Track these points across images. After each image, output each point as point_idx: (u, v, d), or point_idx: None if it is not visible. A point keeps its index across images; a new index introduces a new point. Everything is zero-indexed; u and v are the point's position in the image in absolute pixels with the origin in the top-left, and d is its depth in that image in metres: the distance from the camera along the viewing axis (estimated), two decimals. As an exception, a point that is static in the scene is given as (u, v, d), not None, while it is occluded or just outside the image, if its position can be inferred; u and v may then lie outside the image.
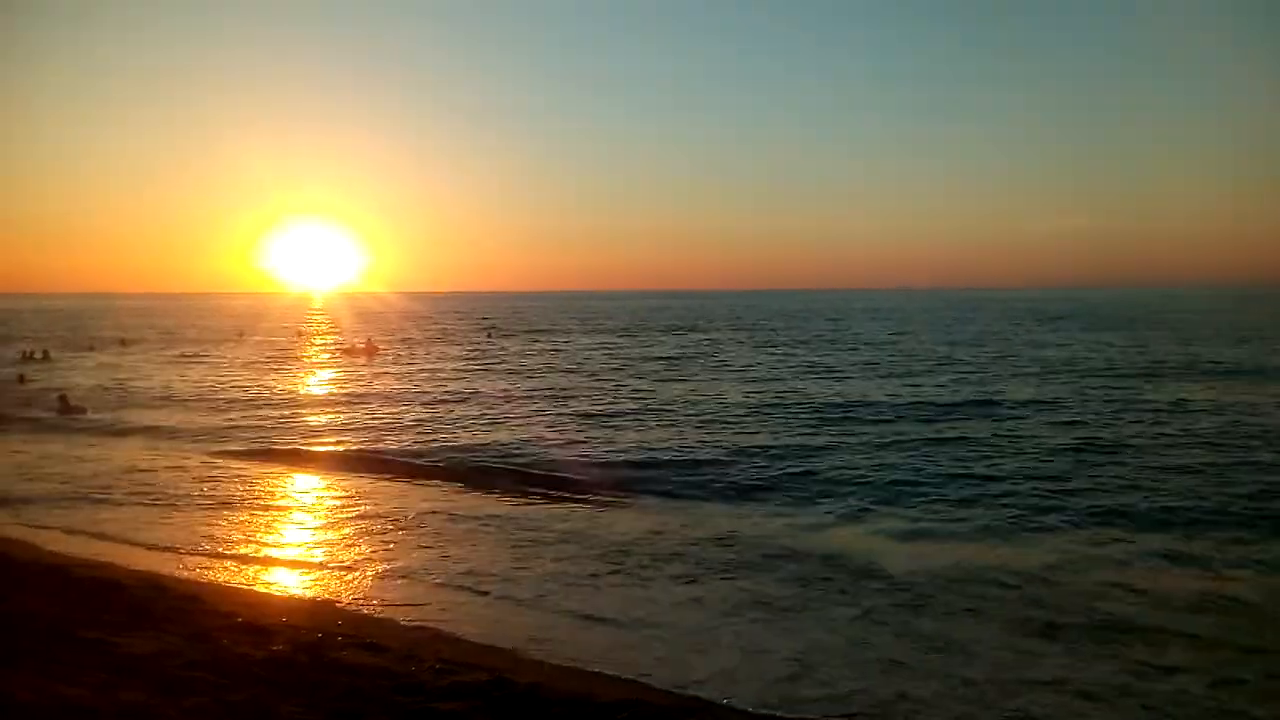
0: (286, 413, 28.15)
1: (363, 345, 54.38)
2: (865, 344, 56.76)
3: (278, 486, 17.70)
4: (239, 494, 16.81)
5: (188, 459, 20.24)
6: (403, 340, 65.80)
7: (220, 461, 20.13)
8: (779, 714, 7.55)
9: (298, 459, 20.58)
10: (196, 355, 53.11)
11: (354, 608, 10.16)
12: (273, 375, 41.09)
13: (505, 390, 33.10)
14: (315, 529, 14.52)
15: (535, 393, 32.17)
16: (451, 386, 34.68)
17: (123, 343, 62.80)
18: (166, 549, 12.74)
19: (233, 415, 27.35)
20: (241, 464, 19.84)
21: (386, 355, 51.96)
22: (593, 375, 38.78)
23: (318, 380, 39.33)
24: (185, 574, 10.96)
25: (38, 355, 50.53)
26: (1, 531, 12.40)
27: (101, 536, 13.36)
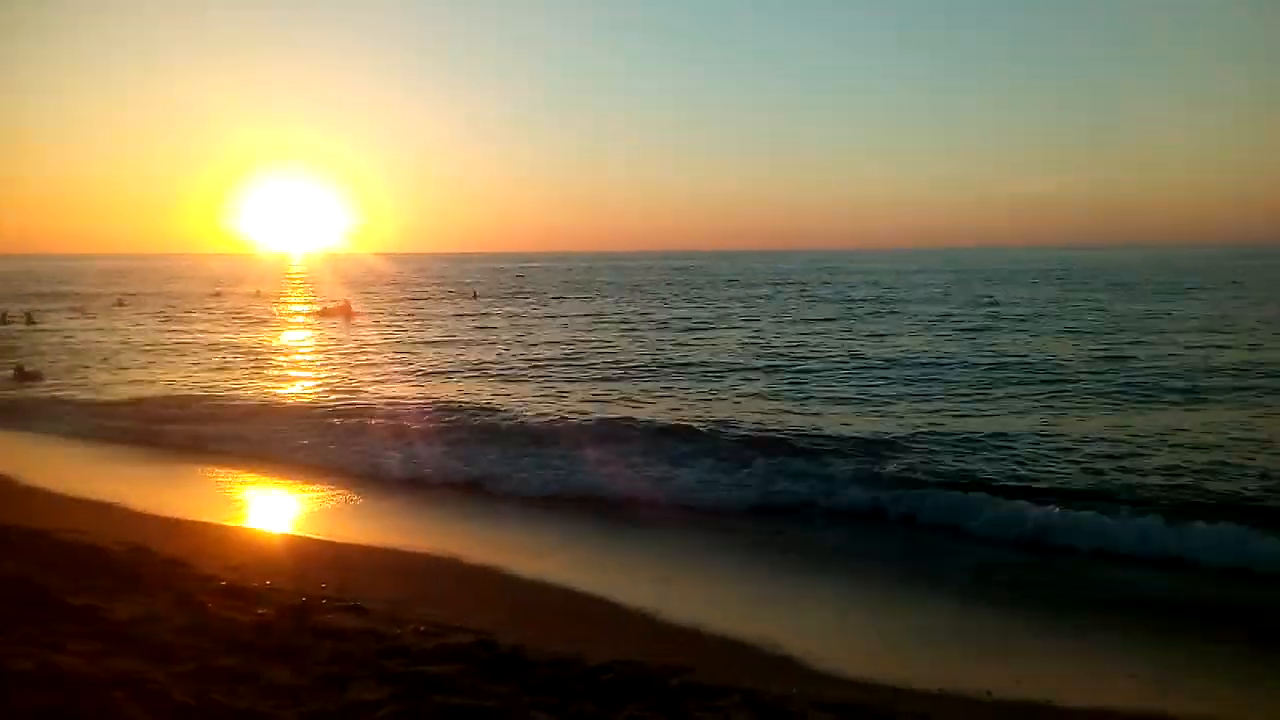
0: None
1: (337, 306, 54.04)
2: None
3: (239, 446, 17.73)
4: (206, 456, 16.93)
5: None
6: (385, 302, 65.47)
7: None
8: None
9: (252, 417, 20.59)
10: (170, 317, 52.66)
11: (334, 569, 10.28)
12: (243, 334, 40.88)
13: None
14: (286, 489, 14.67)
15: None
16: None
17: (119, 303, 62.36)
18: (143, 512, 12.85)
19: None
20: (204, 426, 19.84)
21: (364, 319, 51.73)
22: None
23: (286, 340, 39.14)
24: (165, 535, 10.97)
25: (11, 317, 49.92)
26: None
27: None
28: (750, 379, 25.06)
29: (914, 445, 16.10)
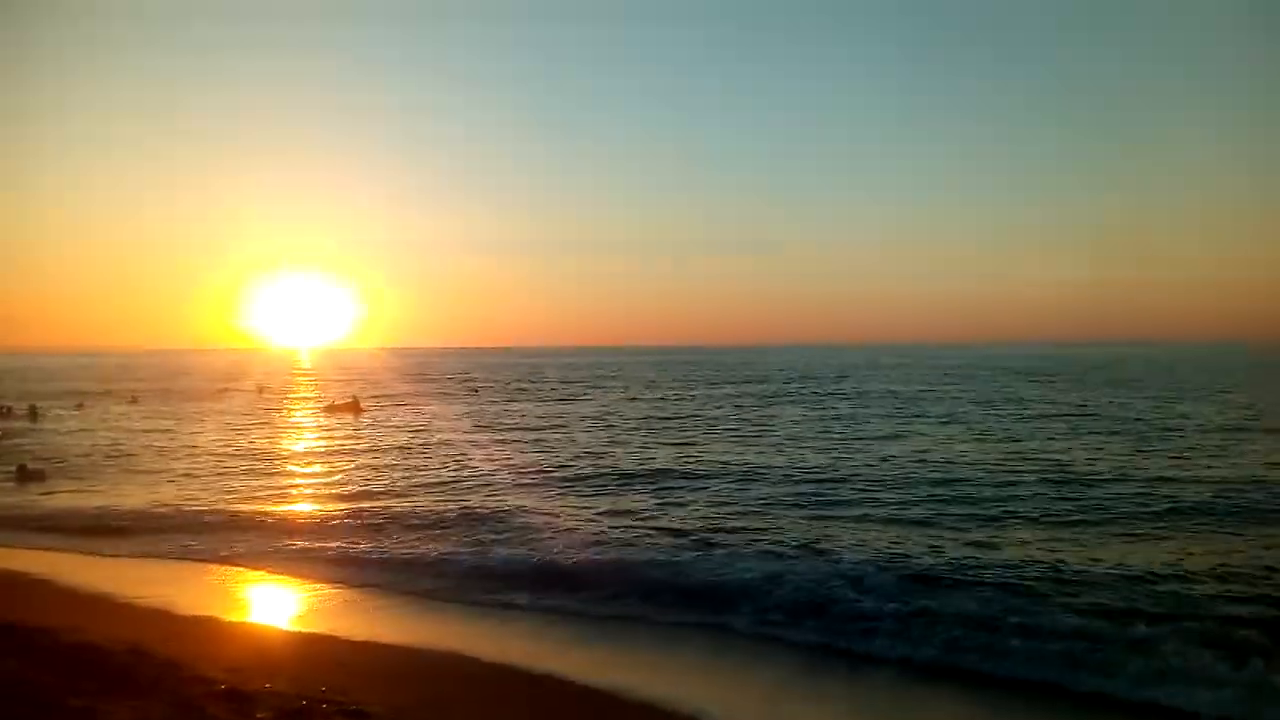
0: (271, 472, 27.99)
1: (346, 403, 54.38)
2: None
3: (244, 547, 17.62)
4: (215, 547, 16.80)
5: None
6: (387, 397, 65.75)
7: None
8: None
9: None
10: (174, 414, 52.79)
11: (334, 670, 10.13)
12: (253, 433, 40.77)
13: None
14: (286, 588, 14.52)
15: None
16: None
17: (132, 400, 62.45)
18: (142, 610, 12.74)
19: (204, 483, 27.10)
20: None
21: (371, 413, 51.85)
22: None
23: (297, 439, 39.10)
24: (164, 637, 10.82)
25: (16, 412, 50.20)
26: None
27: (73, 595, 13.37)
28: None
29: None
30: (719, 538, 16.53)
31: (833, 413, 46.96)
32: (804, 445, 31.75)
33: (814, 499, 20.73)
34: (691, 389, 73.34)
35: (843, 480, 23.28)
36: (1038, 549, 15.30)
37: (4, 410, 50.79)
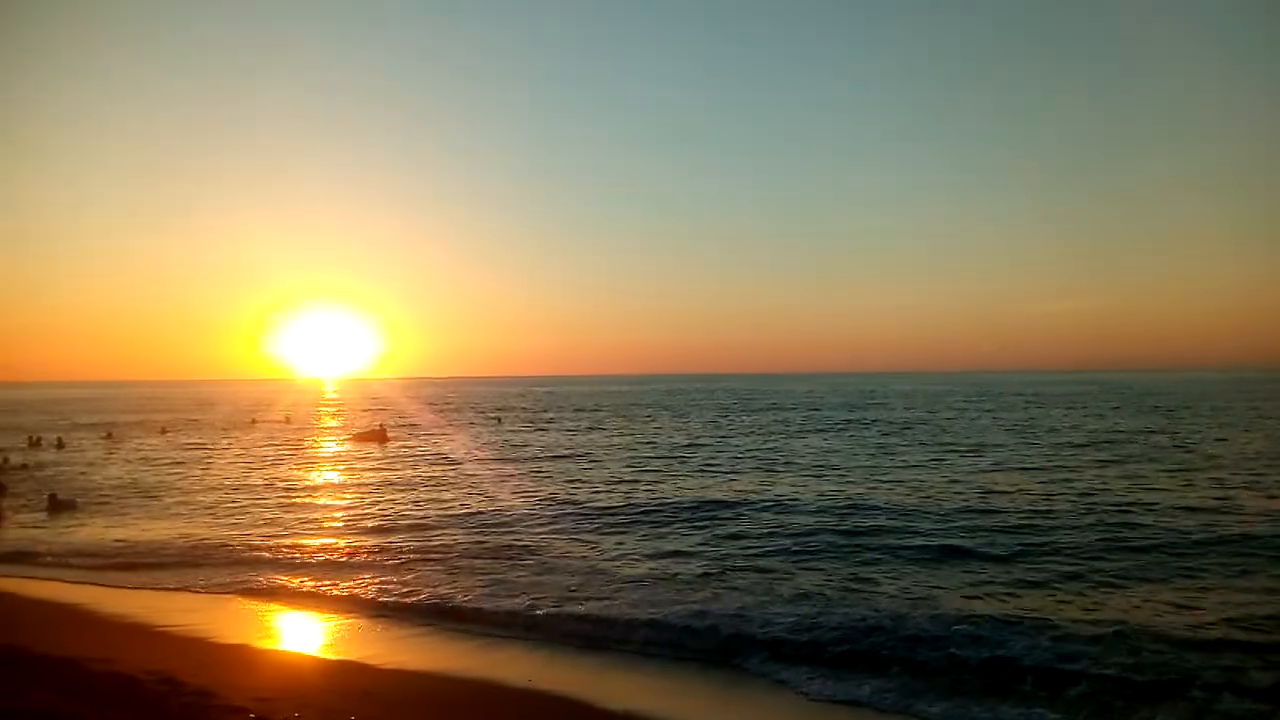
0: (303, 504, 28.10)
1: (372, 431, 54.81)
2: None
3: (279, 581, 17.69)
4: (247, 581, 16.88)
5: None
6: (412, 426, 66.06)
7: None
8: None
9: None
10: (203, 444, 53.25)
11: (361, 699, 10.14)
12: (283, 466, 40.98)
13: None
14: (316, 617, 14.54)
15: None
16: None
17: (162, 431, 62.97)
18: (174, 640, 12.81)
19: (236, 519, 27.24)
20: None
21: (397, 443, 52.08)
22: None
23: (328, 469, 39.28)
24: (195, 667, 10.85)
25: (49, 442, 50.85)
26: (7, 624, 12.35)
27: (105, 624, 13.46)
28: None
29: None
30: (754, 577, 16.22)
31: (865, 441, 46.80)
32: (840, 475, 31.46)
33: (856, 533, 20.36)
34: (712, 417, 73.18)
35: (897, 514, 22.59)
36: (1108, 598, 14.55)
37: (34, 440, 51.47)
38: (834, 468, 33.94)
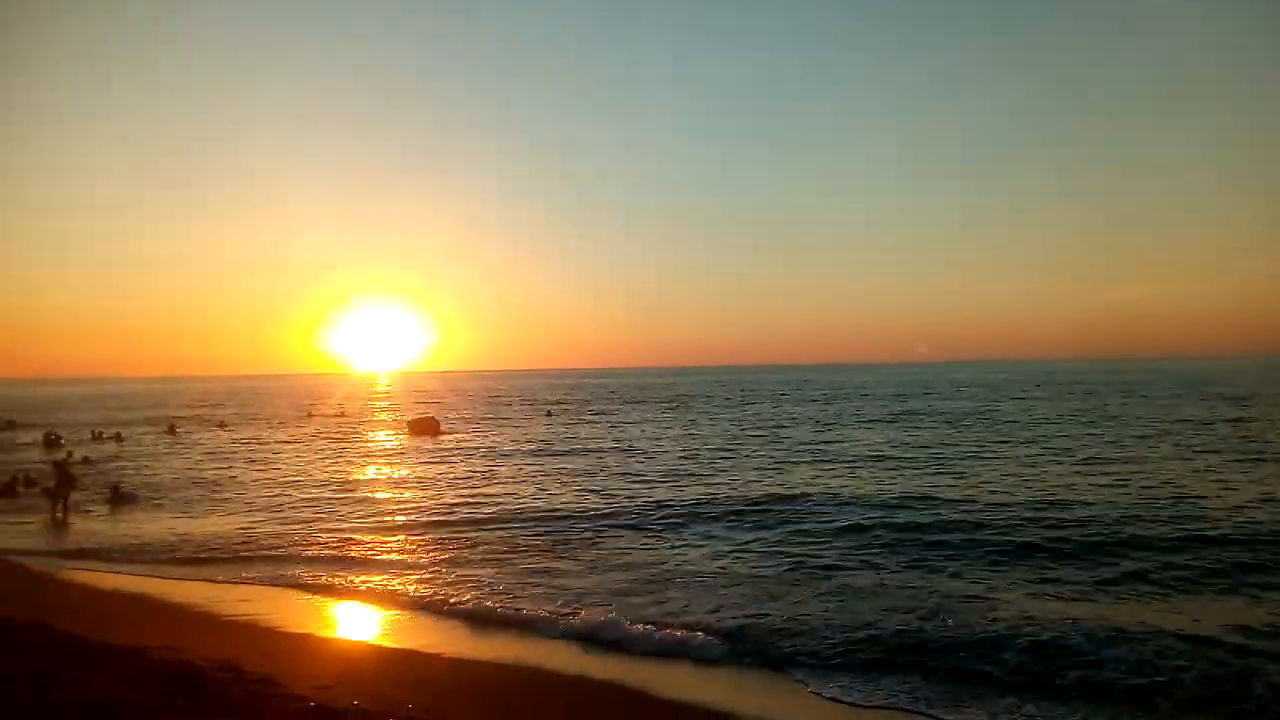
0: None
1: (423, 422, 55.38)
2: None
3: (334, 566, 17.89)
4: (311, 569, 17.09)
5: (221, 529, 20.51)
6: (463, 419, 66.64)
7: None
8: None
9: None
10: (259, 438, 54.15)
11: (417, 687, 10.20)
12: (337, 461, 41.50)
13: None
14: (384, 601, 14.68)
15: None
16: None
17: (221, 425, 64.28)
18: (235, 629, 13.00)
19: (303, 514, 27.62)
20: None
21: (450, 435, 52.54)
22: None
23: (384, 463, 39.71)
24: (256, 656, 10.96)
25: (109, 436, 52.17)
26: (74, 614, 12.58)
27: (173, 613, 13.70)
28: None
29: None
30: (812, 575, 15.78)
31: (925, 432, 46.12)
32: (901, 468, 30.89)
33: (917, 528, 19.72)
34: (764, 409, 72.78)
35: (962, 509, 21.79)
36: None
37: (96, 434, 52.83)
38: (894, 460, 33.41)
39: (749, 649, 11.93)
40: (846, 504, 23.20)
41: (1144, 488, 24.69)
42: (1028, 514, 20.89)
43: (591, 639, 12.54)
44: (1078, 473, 28.26)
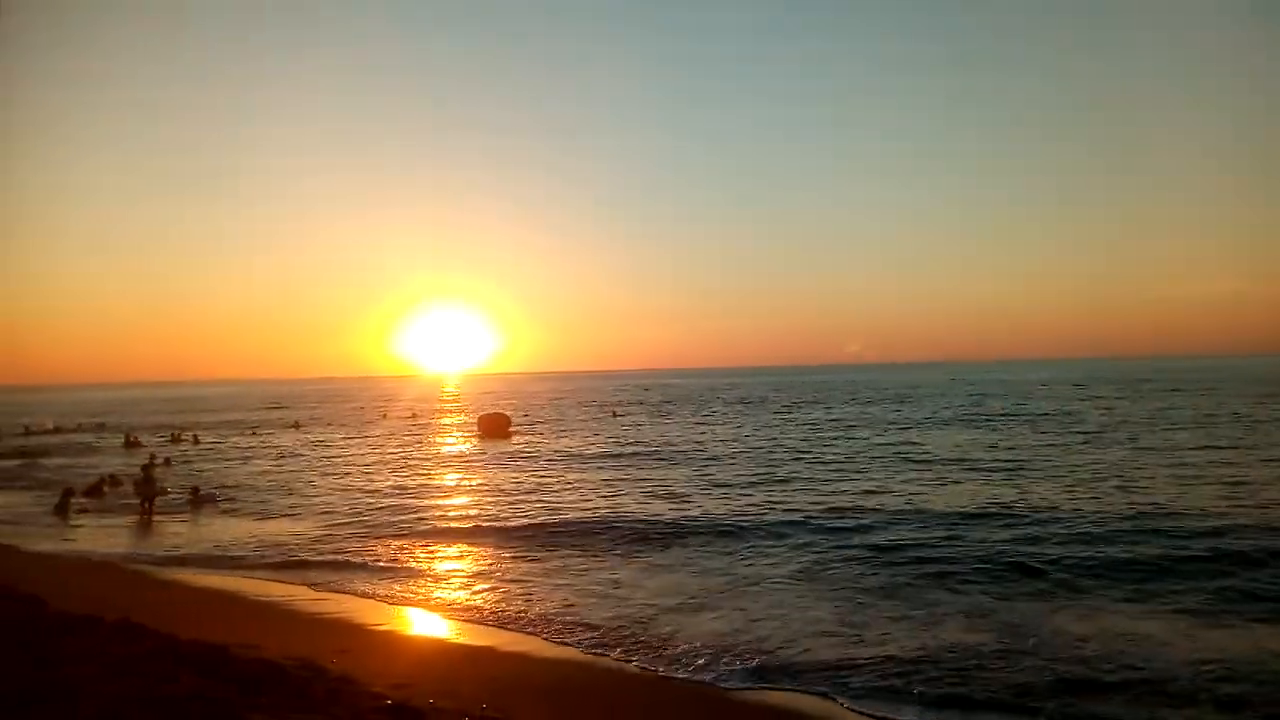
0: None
1: (494, 423, 56.10)
2: None
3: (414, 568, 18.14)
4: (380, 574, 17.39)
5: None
6: (533, 420, 67.20)
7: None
8: None
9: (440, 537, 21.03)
10: (334, 440, 55.22)
11: (489, 685, 10.28)
12: (406, 467, 42.08)
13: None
14: (459, 602, 14.83)
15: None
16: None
17: (295, 425, 66.03)
18: (315, 628, 13.26)
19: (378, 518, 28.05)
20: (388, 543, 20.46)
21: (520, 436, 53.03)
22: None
23: (455, 462, 40.21)
24: (335, 654, 11.14)
25: (186, 438, 53.79)
26: (160, 612, 12.90)
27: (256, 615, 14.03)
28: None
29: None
30: (885, 594, 14.74)
31: (1003, 434, 44.80)
32: (982, 474, 29.92)
33: (1002, 541, 18.42)
34: (835, 410, 72.00)
35: (1049, 521, 20.23)
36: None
37: (175, 436, 54.52)
38: (979, 464, 32.18)
39: (824, 675, 10.98)
40: (933, 514, 21.75)
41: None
42: (1143, 526, 19.41)
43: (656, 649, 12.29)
44: (1189, 477, 26.70)
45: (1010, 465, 31.35)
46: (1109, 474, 28.09)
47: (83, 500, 27.90)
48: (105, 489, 29.89)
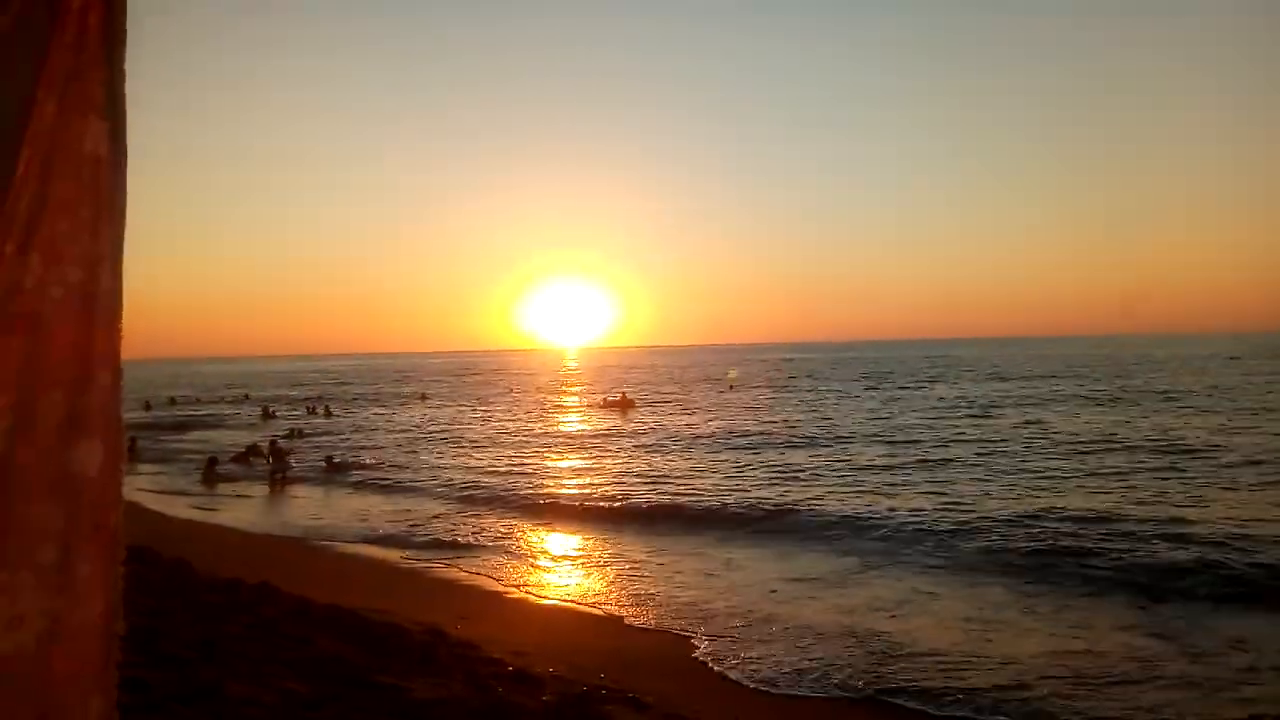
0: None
1: (617, 399, 56.79)
2: None
3: (540, 538, 18.61)
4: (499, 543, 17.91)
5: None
6: (653, 394, 67.62)
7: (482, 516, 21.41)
8: None
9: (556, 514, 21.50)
10: (461, 414, 56.84)
11: (608, 657, 10.49)
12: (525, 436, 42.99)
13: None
14: (579, 576, 15.18)
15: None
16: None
17: (423, 398, 68.54)
18: (439, 595, 13.79)
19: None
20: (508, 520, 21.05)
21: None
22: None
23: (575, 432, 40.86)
24: (458, 621, 11.52)
25: (320, 410, 56.36)
26: (294, 576, 13.56)
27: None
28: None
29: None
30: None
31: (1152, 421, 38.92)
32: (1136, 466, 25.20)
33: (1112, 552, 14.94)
34: (961, 387, 69.97)
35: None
36: None
37: (310, 408, 57.19)
38: (1128, 451, 27.80)
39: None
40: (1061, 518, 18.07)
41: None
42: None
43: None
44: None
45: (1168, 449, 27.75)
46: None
47: (227, 467, 29.53)
48: (251, 458, 31.60)
